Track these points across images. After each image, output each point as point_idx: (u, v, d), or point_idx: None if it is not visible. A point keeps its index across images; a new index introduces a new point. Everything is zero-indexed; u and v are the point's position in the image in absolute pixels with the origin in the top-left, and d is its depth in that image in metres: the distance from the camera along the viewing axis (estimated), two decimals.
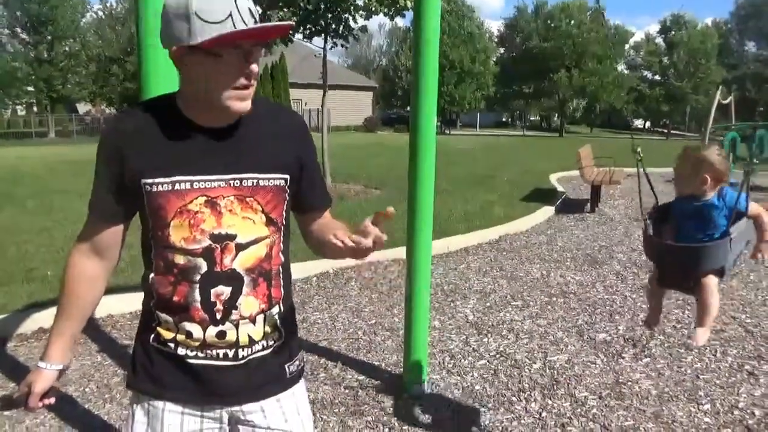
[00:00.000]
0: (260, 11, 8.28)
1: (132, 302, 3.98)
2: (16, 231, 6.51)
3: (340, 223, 1.41)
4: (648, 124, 54.87)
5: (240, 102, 1.15)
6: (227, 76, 1.13)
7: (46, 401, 1.28)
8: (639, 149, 2.26)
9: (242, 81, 1.14)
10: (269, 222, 1.25)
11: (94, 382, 3.16)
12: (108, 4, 38.05)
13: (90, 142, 18.52)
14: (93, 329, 3.78)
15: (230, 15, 1.07)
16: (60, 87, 34.99)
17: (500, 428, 2.73)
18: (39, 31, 33.81)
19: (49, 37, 34.26)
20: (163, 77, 1.98)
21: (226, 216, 1.19)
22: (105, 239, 1.26)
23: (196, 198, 1.18)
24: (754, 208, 2.17)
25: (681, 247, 2.19)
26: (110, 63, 35.71)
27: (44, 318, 3.77)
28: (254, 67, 1.14)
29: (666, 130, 44.76)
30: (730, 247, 2.09)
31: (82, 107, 44.60)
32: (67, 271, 1.27)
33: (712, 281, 2.18)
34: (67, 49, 35.09)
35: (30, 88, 34.91)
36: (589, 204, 8.43)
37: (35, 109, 38.51)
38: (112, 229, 1.26)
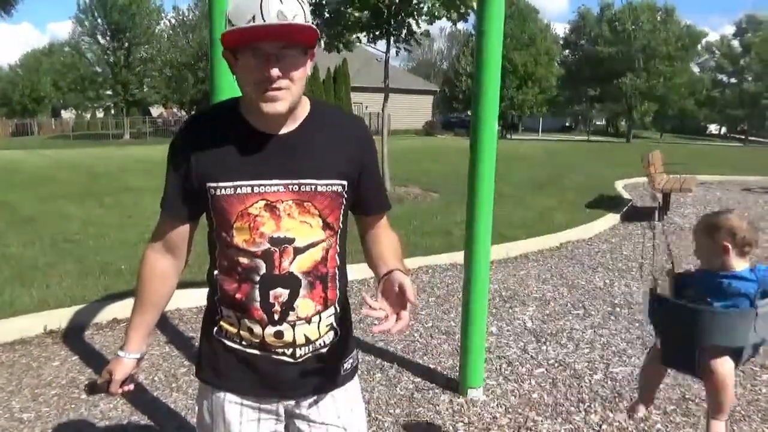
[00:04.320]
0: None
1: (198, 297, 4.13)
2: (94, 224, 6.93)
3: (392, 236, 1.42)
4: (724, 129, 52.08)
5: (266, 103, 1.15)
6: (246, 78, 1.15)
7: (126, 388, 1.36)
8: None
9: (259, 83, 1.13)
10: (326, 226, 1.27)
11: (162, 371, 3.32)
12: (180, 12, 39.85)
13: (162, 143, 19.38)
14: (161, 322, 3.95)
15: (252, 18, 1.09)
16: (136, 91, 36.93)
17: None
18: (118, 38, 35.78)
19: (127, 44, 36.19)
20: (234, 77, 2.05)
21: (285, 220, 1.22)
22: (174, 238, 1.33)
23: (256, 202, 1.21)
24: None
25: (692, 309, 1.86)
26: (182, 68, 37.33)
27: (118, 309, 3.97)
28: (273, 72, 1.11)
29: (743, 136, 42.35)
30: (755, 327, 1.75)
31: (155, 110, 46.87)
32: (141, 268, 1.35)
33: (723, 366, 1.83)
34: (143, 54, 36.97)
35: (108, 92, 37.04)
36: (657, 212, 8.09)
37: (112, 111, 40.74)
38: (180, 228, 1.32)
